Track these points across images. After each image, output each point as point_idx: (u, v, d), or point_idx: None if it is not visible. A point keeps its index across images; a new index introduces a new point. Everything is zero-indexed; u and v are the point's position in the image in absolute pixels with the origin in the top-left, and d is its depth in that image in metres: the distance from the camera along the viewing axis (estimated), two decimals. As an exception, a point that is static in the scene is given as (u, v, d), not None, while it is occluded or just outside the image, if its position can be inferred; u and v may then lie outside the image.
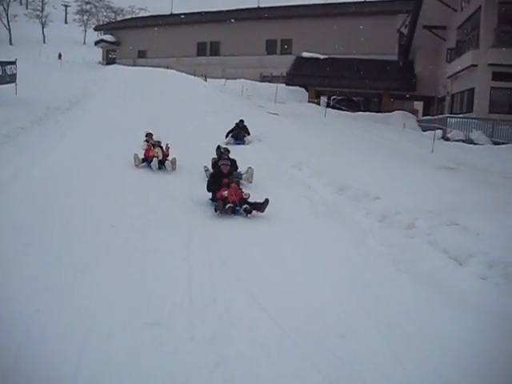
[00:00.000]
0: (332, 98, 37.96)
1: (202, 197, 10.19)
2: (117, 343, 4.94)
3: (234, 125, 17.53)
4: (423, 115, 36.92)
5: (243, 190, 9.77)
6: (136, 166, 12.61)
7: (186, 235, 8.09)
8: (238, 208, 9.29)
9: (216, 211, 9.18)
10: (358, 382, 4.57)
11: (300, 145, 16.58)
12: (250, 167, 11.90)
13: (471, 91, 27.92)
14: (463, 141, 24.11)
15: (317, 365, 4.74)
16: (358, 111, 33.84)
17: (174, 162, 12.59)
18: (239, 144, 16.98)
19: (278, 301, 6.02)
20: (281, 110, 26.35)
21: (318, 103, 35.60)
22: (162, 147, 12.90)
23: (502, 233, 8.03)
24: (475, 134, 24.76)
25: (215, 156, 12.61)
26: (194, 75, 38.29)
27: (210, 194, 10.00)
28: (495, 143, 23.88)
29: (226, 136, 17.07)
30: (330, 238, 8.34)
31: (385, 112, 33.93)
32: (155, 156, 12.57)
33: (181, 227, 8.45)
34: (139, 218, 8.68)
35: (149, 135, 14.04)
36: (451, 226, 8.54)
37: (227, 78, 39.31)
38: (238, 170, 11.58)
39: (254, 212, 9.28)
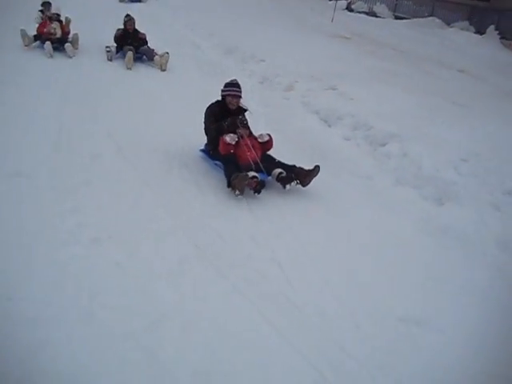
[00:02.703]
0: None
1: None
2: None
3: None
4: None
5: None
6: (26, 46, 9.69)
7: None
8: (263, 175, 5.39)
9: (232, 188, 5.19)
10: (204, 224, 4.74)
11: (197, 6, 15.98)
12: (166, 52, 9.76)
13: (380, -37, 27.49)
14: (366, 13, 24.04)
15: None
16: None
17: (75, 40, 9.93)
18: (134, 2, 16.18)
19: (141, 151, 6.04)
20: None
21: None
22: (61, 21, 10.14)
23: (374, 99, 8.33)
24: (379, 8, 24.75)
25: (121, 27, 10.21)
26: None
27: (199, 141, 6.05)
28: (397, 18, 24.02)
29: None
30: (209, 95, 8.25)
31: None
32: (51, 33, 9.69)
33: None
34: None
35: (45, 5, 10.84)
36: (329, 91, 8.73)
37: None
38: (154, 50, 9.93)
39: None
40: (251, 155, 5.42)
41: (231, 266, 4.07)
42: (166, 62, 9.61)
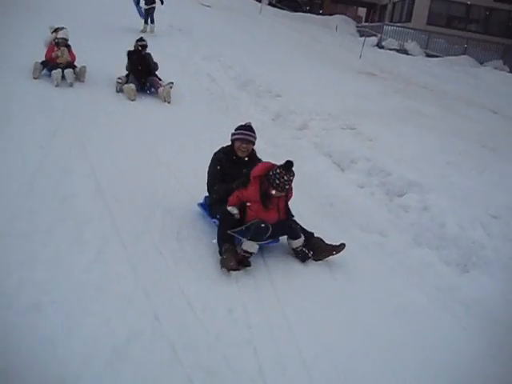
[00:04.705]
0: (276, -5, 36.08)
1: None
2: None
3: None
4: (365, 21, 35.82)
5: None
6: (35, 78, 8.81)
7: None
8: (271, 241, 4.51)
9: (222, 264, 4.19)
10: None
11: (220, 38, 15.39)
12: (171, 82, 9.21)
13: (412, 0, 26.96)
14: (397, 50, 23.42)
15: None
16: (298, 11, 32.28)
17: (82, 73, 9.14)
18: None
19: (122, 194, 5.32)
20: (215, 3, 24.62)
21: (259, 0, 33.69)
22: (69, 47, 9.35)
23: (396, 141, 7.54)
24: (410, 45, 24.15)
25: (131, 48, 9.50)
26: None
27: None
28: (428, 55, 23.38)
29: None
30: (215, 132, 7.54)
31: (326, 15, 32.57)
32: (58, 60, 9.01)
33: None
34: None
35: (58, 30, 9.96)
36: (346, 131, 7.97)
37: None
38: (160, 81, 9.20)
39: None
40: (272, 216, 4.43)
41: (193, 348, 3.25)
42: (169, 93, 8.87)
